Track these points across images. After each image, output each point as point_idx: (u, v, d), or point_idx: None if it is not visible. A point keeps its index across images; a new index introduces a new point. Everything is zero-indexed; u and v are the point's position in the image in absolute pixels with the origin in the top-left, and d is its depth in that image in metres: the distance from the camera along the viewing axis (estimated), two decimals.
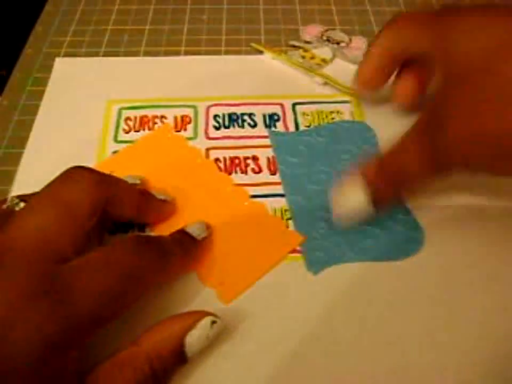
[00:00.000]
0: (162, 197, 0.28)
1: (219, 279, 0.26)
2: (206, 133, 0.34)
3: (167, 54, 0.40)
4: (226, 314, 0.23)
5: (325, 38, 0.41)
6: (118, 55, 0.40)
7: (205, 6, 0.45)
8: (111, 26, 0.43)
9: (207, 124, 0.34)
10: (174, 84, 0.37)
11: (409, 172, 0.25)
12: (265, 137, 0.33)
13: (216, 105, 0.35)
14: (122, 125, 0.34)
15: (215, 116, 0.35)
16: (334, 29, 0.42)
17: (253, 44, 0.40)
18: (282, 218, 0.29)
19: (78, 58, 0.39)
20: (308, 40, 0.41)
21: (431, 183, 0.27)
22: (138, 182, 0.28)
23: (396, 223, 0.28)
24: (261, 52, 0.40)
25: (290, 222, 0.29)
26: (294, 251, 0.27)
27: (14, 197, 0.24)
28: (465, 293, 0.26)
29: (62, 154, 0.32)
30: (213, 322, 0.22)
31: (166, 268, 0.23)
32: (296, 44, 0.41)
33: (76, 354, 0.19)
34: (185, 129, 0.34)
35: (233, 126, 0.34)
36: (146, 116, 0.35)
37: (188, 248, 0.25)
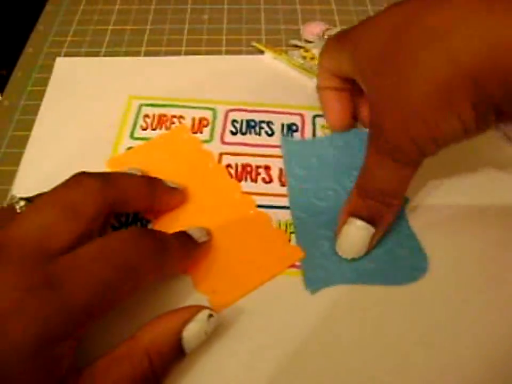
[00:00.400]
0: (171, 185, 0.28)
1: (212, 287, 0.26)
2: (222, 137, 0.33)
3: (167, 54, 0.40)
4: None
5: (326, 37, 0.41)
6: (118, 55, 0.40)
7: (205, 5, 0.45)
8: (112, 26, 0.43)
9: (224, 128, 0.34)
10: (195, 85, 0.37)
11: (386, 183, 0.25)
12: (278, 146, 0.33)
13: (236, 110, 0.35)
14: (141, 121, 0.34)
15: (233, 121, 0.34)
16: (335, 28, 0.42)
17: (255, 44, 0.40)
18: (286, 231, 0.28)
19: (79, 58, 0.39)
20: (309, 39, 0.41)
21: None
22: (138, 173, 0.28)
23: (400, 248, 0.27)
24: (261, 52, 0.40)
25: (293, 236, 0.28)
26: (293, 266, 0.27)
27: (14, 195, 0.24)
28: (466, 318, 0.25)
29: (63, 154, 0.32)
30: (210, 316, 0.22)
31: (163, 264, 0.23)
32: (298, 43, 0.41)
33: (72, 345, 0.20)
34: (201, 132, 0.34)
35: (250, 132, 0.34)
36: (165, 115, 0.35)
37: (186, 248, 0.25)
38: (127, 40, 0.41)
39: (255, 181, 0.31)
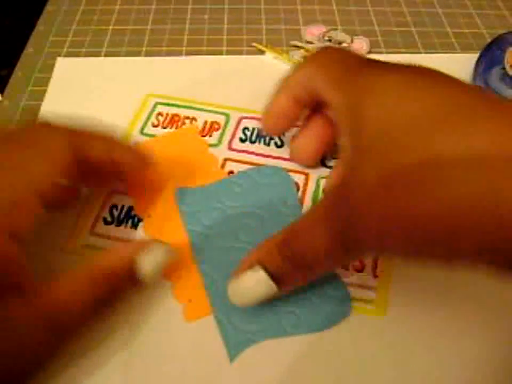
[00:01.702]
0: (134, 148, 0.27)
1: (188, 296, 0.26)
2: (230, 143, 0.33)
3: (168, 54, 0.40)
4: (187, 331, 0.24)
5: (326, 38, 0.41)
6: (119, 55, 0.40)
7: (206, 5, 0.45)
8: (112, 26, 0.43)
9: (234, 134, 0.34)
10: (210, 87, 0.37)
11: (316, 253, 0.20)
12: (288, 159, 0.32)
13: (249, 118, 0.35)
14: (153, 118, 0.34)
15: (245, 129, 0.34)
16: (335, 29, 0.42)
17: (255, 44, 0.40)
18: None
19: (80, 58, 0.39)
20: (310, 40, 0.41)
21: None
22: None
23: (322, 293, 0.25)
24: (262, 52, 0.40)
25: None
26: None
27: None
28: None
29: None
30: (166, 250, 0.23)
31: (81, 136, 0.24)
32: (298, 44, 0.41)
33: (11, 244, 0.20)
34: (210, 135, 0.33)
35: (259, 142, 0.33)
36: (177, 115, 0.35)
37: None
38: (127, 40, 0.41)
39: None
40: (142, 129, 0.34)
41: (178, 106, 0.35)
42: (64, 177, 0.23)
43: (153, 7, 0.45)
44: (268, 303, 0.24)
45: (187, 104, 0.35)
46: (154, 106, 0.35)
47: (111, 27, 0.43)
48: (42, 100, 0.36)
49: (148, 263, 0.22)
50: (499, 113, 0.18)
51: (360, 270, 0.27)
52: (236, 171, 0.31)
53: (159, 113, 0.35)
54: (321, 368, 0.24)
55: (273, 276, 0.21)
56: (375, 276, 0.26)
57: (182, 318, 0.25)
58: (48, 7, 0.45)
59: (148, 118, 0.34)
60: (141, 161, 0.27)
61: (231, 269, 0.23)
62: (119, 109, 0.35)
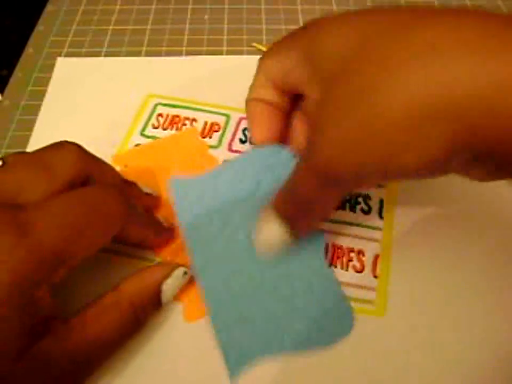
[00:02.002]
0: (147, 190, 0.28)
1: (188, 296, 0.26)
2: (230, 144, 0.33)
3: (168, 54, 0.40)
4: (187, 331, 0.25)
5: None
6: (119, 55, 0.40)
7: (206, 5, 0.45)
8: (113, 26, 0.43)
9: (234, 135, 0.34)
10: (210, 87, 0.36)
11: (307, 197, 0.22)
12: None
13: None
14: (153, 120, 0.34)
15: (245, 129, 0.34)
16: None
17: (255, 44, 0.40)
18: None
19: (80, 59, 0.39)
20: None
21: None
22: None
23: (322, 309, 0.25)
24: (262, 52, 0.40)
25: None
26: None
27: None
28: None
29: None
30: (185, 273, 0.24)
31: (131, 216, 0.23)
32: None
33: (47, 291, 0.20)
34: (210, 137, 0.33)
35: None
36: (178, 116, 0.35)
37: (152, 219, 0.26)
38: (127, 40, 0.41)
39: None
40: (143, 130, 0.34)
41: (178, 107, 0.35)
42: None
43: (153, 7, 0.45)
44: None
45: (187, 104, 0.35)
46: (155, 107, 0.35)
47: (111, 27, 0.43)
48: (42, 100, 0.36)
49: (172, 288, 0.24)
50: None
51: (359, 270, 0.27)
52: None
53: (160, 114, 0.35)
54: (320, 367, 0.24)
55: (285, 220, 0.23)
56: (375, 276, 0.26)
57: (181, 318, 0.25)
58: (48, 7, 0.45)
59: (149, 119, 0.34)
60: (150, 205, 0.28)
61: (229, 277, 0.25)
62: (119, 109, 0.35)
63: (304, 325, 0.24)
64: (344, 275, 0.26)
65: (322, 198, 0.22)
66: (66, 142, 0.24)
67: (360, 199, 0.30)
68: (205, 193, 0.27)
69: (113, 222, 0.22)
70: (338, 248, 0.28)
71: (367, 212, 0.29)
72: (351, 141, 0.19)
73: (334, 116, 0.20)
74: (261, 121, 0.27)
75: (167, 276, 0.23)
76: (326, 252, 0.27)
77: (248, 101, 0.28)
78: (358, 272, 0.27)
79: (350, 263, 0.27)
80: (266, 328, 0.24)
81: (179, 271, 0.24)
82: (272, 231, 0.24)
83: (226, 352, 0.23)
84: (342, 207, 0.29)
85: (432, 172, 0.19)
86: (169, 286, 0.23)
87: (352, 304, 0.25)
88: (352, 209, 0.29)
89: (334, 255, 0.27)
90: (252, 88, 0.27)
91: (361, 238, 0.28)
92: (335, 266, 0.27)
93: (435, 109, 0.17)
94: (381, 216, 0.29)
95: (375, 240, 0.28)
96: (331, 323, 0.25)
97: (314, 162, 0.21)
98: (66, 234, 0.20)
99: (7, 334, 0.18)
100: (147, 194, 0.28)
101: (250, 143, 0.33)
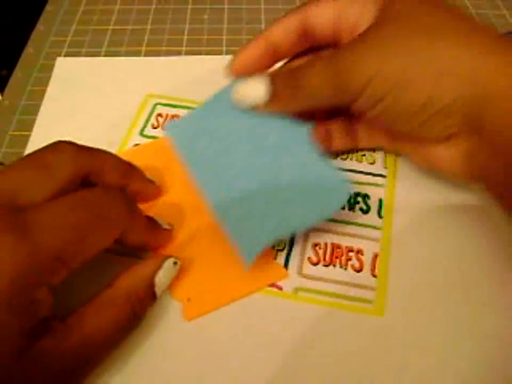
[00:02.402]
0: (148, 177, 0.28)
1: (187, 294, 0.26)
2: None
3: (168, 54, 0.40)
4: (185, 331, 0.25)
5: None
6: (119, 55, 0.40)
7: (206, 5, 0.45)
8: (112, 26, 0.43)
9: None
10: (210, 87, 0.36)
11: (312, 85, 0.25)
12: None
13: None
14: (153, 120, 0.34)
15: None
16: None
17: None
18: (273, 248, 0.28)
19: (80, 58, 0.39)
20: None
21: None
22: None
23: (315, 180, 0.26)
24: None
25: (279, 254, 0.27)
26: (274, 285, 0.26)
27: None
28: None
29: None
30: (175, 263, 0.25)
31: (133, 220, 0.24)
32: None
33: (47, 292, 0.20)
34: None
35: None
36: (177, 116, 0.35)
37: (151, 221, 0.26)
38: (127, 40, 0.41)
39: None
40: (142, 130, 0.34)
41: (178, 107, 0.35)
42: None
43: (153, 7, 0.45)
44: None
45: (187, 104, 0.35)
46: (154, 107, 0.35)
47: (110, 27, 0.43)
48: (41, 100, 0.36)
49: (164, 280, 0.24)
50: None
51: (358, 269, 0.27)
52: None
53: (159, 114, 0.35)
54: (319, 367, 0.24)
55: (272, 90, 0.25)
56: (374, 276, 0.26)
57: (180, 317, 0.25)
58: (48, 7, 0.45)
59: (148, 119, 0.34)
60: (149, 195, 0.29)
61: (232, 183, 0.26)
62: (118, 109, 0.35)
63: (303, 202, 0.25)
64: (343, 274, 0.27)
65: (319, 86, 0.25)
66: (62, 141, 0.24)
67: (359, 199, 0.30)
68: (200, 125, 0.28)
69: (114, 226, 0.22)
70: (337, 248, 0.28)
71: (366, 211, 0.29)
72: (382, 70, 0.23)
73: (384, 43, 0.23)
74: (250, 51, 0.28)
75: (158, 268, 0.24)
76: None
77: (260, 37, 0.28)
78: (357, 271, 0.27)
79: (349, 262, 0.27)
80: (272, 215, 0.25)
81: (169, 262, 0.24)
82: (254, 85, 0.26)
83: (239, 243, 0.25)
84: None
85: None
86: (161, 278, 0.24)
87: (351, 303, 0.26)
88: (351, 208, 0.29)
89: (333, 254, 0.27)
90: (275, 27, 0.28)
91: (360, 237, 0.28)
92: (334, 266, 0.27)
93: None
94: (380, 216, 0.29)
95: (374, 240, 0.28)
96: (329, 194, 0.26)
97: (341, 58, 0.24)
98: (66, 236, 0.20)
99: (7, 335, 0.18)
100: (150, 180, 0.28)
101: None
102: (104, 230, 0.22)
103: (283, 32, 0.27)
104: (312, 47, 0.28)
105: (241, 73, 0.28)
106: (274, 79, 0.26)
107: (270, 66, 0.28)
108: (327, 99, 0.25)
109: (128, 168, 0.27)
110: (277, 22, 0.27)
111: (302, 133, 0.27)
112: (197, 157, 0.27)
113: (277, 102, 0.26)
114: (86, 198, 0.22)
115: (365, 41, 0.24)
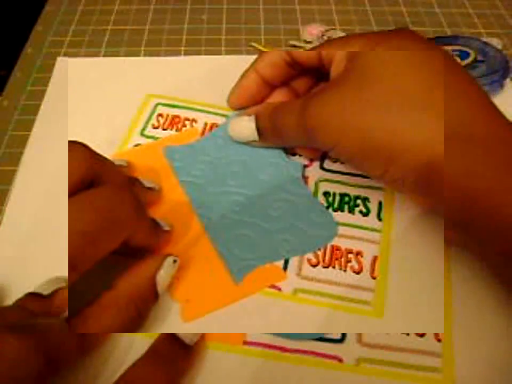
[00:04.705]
0: (149, 185, 0.28)
1: (186, 296, 0.26)
2: None
3: (167, 54, 0.40)
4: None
5: (325, 37, 0.41)
6: (118, 55, 0.40)
7: (205, 6, 0.45)
8: (111, 26, 0.43)
9: None
10: (208, 87, 0.36)
11: (287, 130, 0.27)
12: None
13: None
14: (154, 120, 0.34)
15: None
16: (334, 29, 0.42)
17: (253, 44, 0.40)
18: None
19: (80, 58, 0.39)
20: (308, 40, 0.41)
21: None
22: (125, 164, 0.29)
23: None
24: (261, 52, 0.40)
25: None
26: (273, 287, 0.26)
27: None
28: None
29: (63, 153, 0.32)
30: (174, 261, 0.25)
31: (140, 221, 0.24)
32: (297, 44, 0.41)
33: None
34: None
35: None
36: (178, 116, 0.35)
37: (155, 224, 0.26)
38: (126, 40, 0.41)
39: None
40: (143, 130, 0.34)
41: (178, 107, 0.35)
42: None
43: (152, 7, 0.45)
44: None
45: (187, 105, 0.35)
46: (155, 106, 0.35)
47: (110, 27, 0.43)
48: (41, 100, 0.36)
49: (165, 278, 0.24)
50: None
51: (358, 271, 0.27)
52: None
53: (160, 114, 0.35)
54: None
55: (259, 129, 0.29)
56: (373, 278, 0.27)
57: (179, 318, 0.25)
58: (47, 7, 0.45)
59: (149, 119, 0.34)
60: (153, 201, 0.29)
61: (225, 209, 0.28)
62: (118, 109, 0.35)
63: (294, 236, 0.28)
64: (342, 276, 0.27)
65: (294, 134, 0.27)
66: (74, 141, 0.24)
67: (359, 201, 0.30)
68: (198, 156, 0.31)
69: (123, 228, 0.22)
70: (337, 249, 0.28)
71: (365, 214, 0.29)
72: (340, 142, 0.24)
73: (347, 96, 0.24)
74: (244, 86, 0.30)
75: (159, 267, 0.24)
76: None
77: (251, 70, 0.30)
78: (356, 273, 0.27)
79: (349, 264, 0.27)
80: (262, 243, 0.27)
81: (169, 261, 0.24)
82: (245, 124, 0.29)
83: (230, 264, 0.26)
84: (340, 209, 0.29)
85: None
86: (162, 277, 0.24)
87: (350, 305, 0.26)
88: (351, 211, 0.29)
89: (332, 256, 0.27)
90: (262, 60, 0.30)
91: (360, 239, 0.28)
92: (334, 267, 0.27)
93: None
94: (379, 218, 0.29)
95: (374, 242, 0.28)
96: (317, 231, 0.28)
97: (308, 110, 0.25)
98: (76, 242, 0.20)
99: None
100: (149, 188, 0.28)
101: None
102: (113, 232, 0.22)
103: (269, 65, 0.29)
104: (304, 70, 0.29)
105: (239, 105, 0.31)
106: (258, 117, 0.28)
107: (267, 95, 0.31)
108: (304, 143, 0.28)
109: (129, 179, 0.27)
110: (263, 55, 0.29)
111: (296, 169, 0.30)
112: (193, 182, 0.30)
113: (265, 139, 0.29)
114: (94, 199, 0.22)
115: (329, 104, 0.24)
